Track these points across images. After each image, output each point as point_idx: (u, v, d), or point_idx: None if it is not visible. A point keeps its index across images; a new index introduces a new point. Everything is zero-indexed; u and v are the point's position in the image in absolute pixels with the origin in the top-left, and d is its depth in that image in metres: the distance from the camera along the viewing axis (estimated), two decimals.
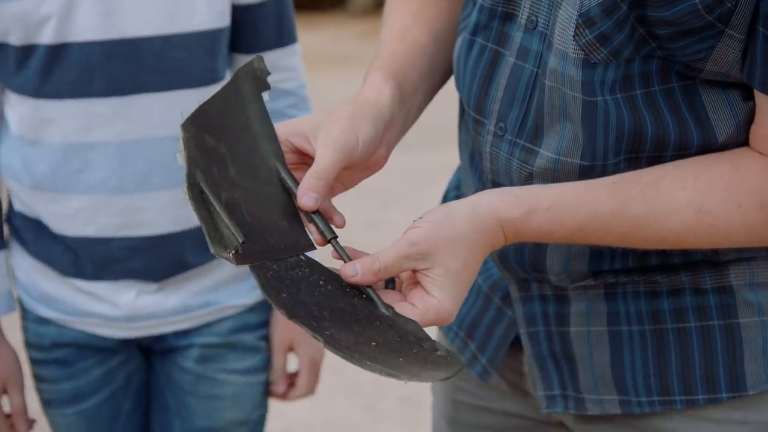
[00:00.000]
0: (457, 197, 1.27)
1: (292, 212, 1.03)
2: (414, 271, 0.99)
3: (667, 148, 1.06)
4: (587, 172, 1.08)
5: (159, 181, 1.54)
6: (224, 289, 1.65)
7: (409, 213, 1.79)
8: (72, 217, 1.54)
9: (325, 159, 1.01)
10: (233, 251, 0.96)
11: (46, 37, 1.47)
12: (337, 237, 1.01)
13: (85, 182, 1.53)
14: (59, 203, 1.54)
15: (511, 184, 1.11)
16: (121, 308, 1.58)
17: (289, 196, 1.03)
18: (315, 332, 0.90)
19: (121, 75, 1.50)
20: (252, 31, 1.58)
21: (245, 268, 1.49)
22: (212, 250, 0.96)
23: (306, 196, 1.00)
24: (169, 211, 1.56)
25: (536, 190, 1.05)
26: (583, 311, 1.16)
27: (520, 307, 1.19)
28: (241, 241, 0.95)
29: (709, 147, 1.06)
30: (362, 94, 1.11)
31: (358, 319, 0.94)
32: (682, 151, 1.06)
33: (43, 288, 1.61)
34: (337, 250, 1.00)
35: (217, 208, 0.97)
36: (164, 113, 1.51)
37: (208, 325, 1.64)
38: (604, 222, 1.04)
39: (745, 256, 1.11)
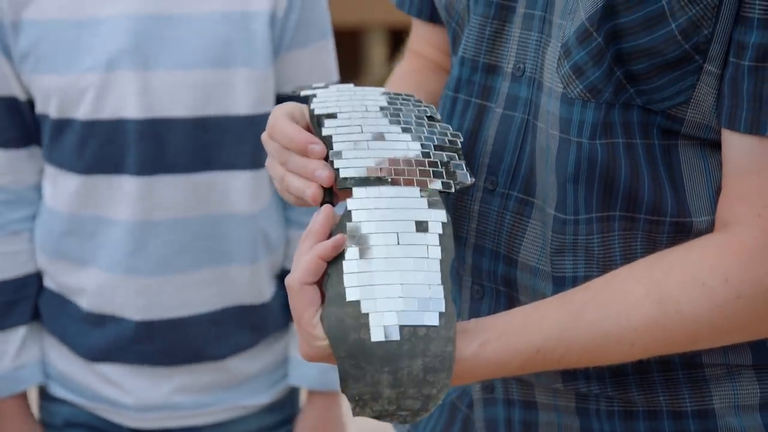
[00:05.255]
0: None
1: None
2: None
3: (640, 208, 1.04)
4: (560, 229, 1.06)
5: (177, 264, 1.56)
6: (241, 386, 1.64)
7: None
8: (91, 292, 1.57)
9: None
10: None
11: (83, 112, 1.51)
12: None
13: (106, 259, 1.56)
14: (80, 277, 1.58)
15: (499, 243, 1.10)
16: (132, 395, 1.60)
17: None
18: None
19: (154, 154, 1.53)
20: None
21: (263, 366, 1.69)
22: None
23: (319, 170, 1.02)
24: (185, 294, 1.58)
25: (487, 320, 1.01)
26: (554, 422, 1.11)
27: (481, 411, 1.15)
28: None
29: (685, 223, 1.03)
30: None
31: None
32: (656, 216, 1.03)
33: (58, 367, 1.64)
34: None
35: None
36: (189, 196, 1.54)
37: (223, 424, 1.64)
38: (562, 340, 0.99)
39: (728, 372, 1.06)
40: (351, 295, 0.95)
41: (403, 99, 1.11)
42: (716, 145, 1.02)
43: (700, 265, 0.97)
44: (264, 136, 1.08)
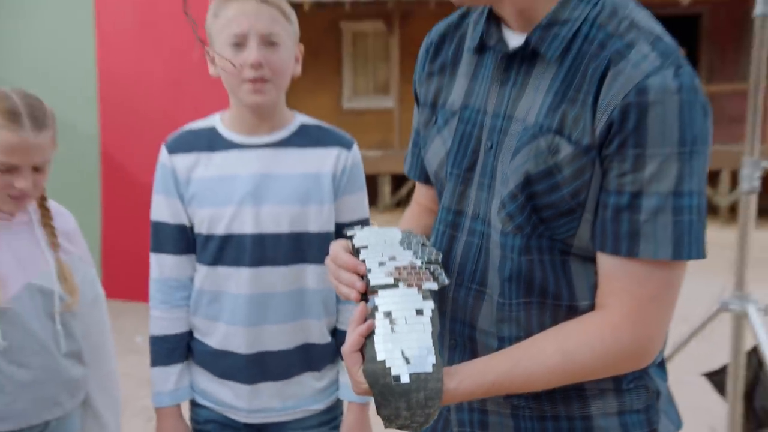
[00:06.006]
0: None
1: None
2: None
3: (548, 297, 1.33)
4: (501, 308, 1.35)
5: (273, 318, 2.10)
6: (309, 396, 2.19)
7: None
8: (219, 338, 2.15)
9: None
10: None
11: (220, 229, 2.09)
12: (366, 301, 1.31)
13: (229, 316, 2.12)
14: (213, 328, 2.15)
15: (465, 315, 1.40)
16: (244, 401, 2.16)
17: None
18: None
19: (261, 254, 2.08)
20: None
21: (323, 385, 2.18)
22: None
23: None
24: (278, 337, 2.12)
25: (461, 367, 1.30)
26: (498, 422, 1.45)
27: (455, 413, 1.49)
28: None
29: (574, 305, 1.32)
30: None
31: None
32: (557, 301, 1.33)
33: (200, 385, 2.22)
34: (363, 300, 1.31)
35: None
36: (282, 278, 2.10)
37: (298, 420, 2.21)
38: (507, 378, 1.28)
39: (600, 393, 1.38)
40: (380, 356, 1.25)
41: (408, 233, 1.43)
42: (592, 259, 1.33)
43: (587, 333, 1.28)
44: (327, 260, 1.45)
